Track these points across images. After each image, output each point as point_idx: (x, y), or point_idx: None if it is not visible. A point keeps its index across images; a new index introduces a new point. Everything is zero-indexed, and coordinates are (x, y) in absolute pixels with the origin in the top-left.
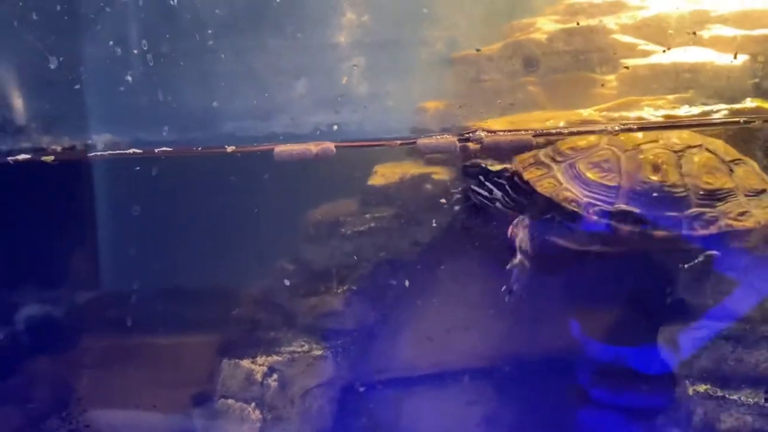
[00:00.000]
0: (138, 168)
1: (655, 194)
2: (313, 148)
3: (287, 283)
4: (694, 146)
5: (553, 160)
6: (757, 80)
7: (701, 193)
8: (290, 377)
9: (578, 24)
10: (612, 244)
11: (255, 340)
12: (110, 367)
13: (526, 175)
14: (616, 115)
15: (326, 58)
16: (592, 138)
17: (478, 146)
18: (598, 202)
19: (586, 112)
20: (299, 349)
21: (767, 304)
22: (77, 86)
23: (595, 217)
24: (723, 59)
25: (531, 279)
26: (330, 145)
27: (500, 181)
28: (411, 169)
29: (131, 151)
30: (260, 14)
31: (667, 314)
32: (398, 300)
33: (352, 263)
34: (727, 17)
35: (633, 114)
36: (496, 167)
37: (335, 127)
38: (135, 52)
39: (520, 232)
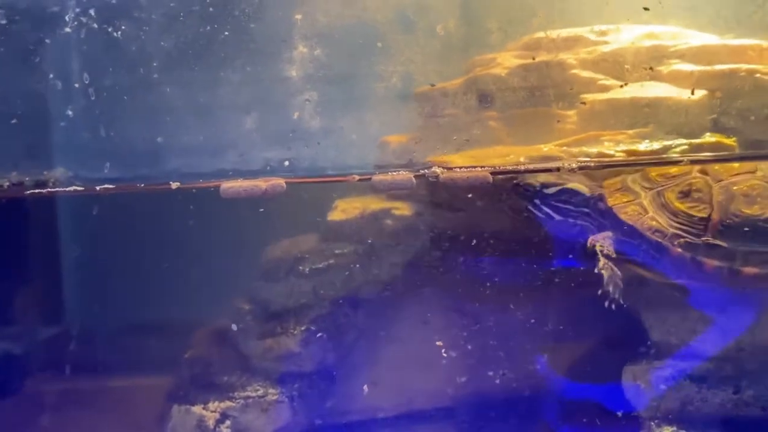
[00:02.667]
0: (86, 205)
1: (746, 228)
2: (262, 184)
3: (235, 327)
4: None
5: (642, 186)
6: (714, 116)
7: None
8: (244, 424)
9: (534, 59)
10: (698, 279)
11: (207, 384)
12: (54, 413)
13: (610, 201)
14: (576, 150)
15: (277, 92)
16: (685, 166)
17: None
18: (685, 234)
19: (546, 148)
20: (254, 394)
21: (731, 343)
22: (14, 121)
23: (680, 250)
24: (681, 94)
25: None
26: (280, 181)
27: (560, 205)
28: (372, 204)
29: (72, 188)
30: (208, 47)
31: (633, 352)
32: (359, 340)
33: (310, 302)
34: (685, 52)
35: (593, 149)
36: (553, 189)
37: (286, 163)
38: (76, 85)
39: (601, 240)
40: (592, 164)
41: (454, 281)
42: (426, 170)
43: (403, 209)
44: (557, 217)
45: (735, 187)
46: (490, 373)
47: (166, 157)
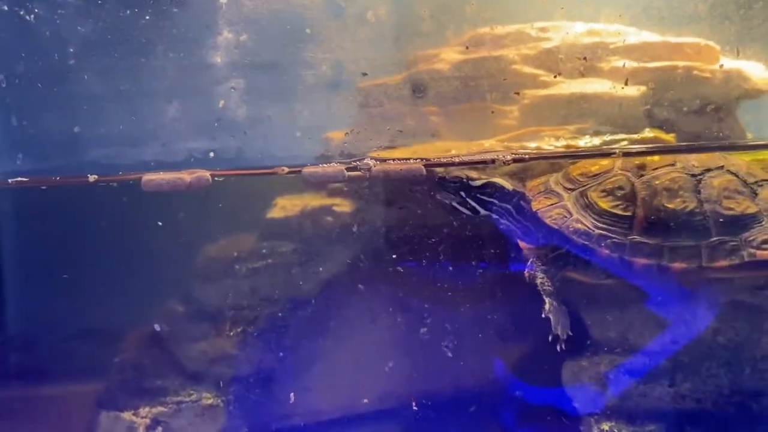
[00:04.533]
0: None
1: (671, 223)
2: (186, 176)
3: (158, 328)
4: (714, 168)
5: (564, 188)
6: (648, 107)
7: (721, 220)
8: (177, 429)
9: (469, 52)
10: (629, 278)
11: (138, 388)
12: None
13: (535, 206)
14: (517, 145)
15: (201, 80)
16: (605, 162)
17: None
18: (611, 234)
19: (488, 143)
20: (187, 399)
21: (667, 337)
22: None
23: (607, 251)
24: (617, 89)
25: (564, 315)
26: (205, 174)
27: (485, 198)
28: (312, 200)
29: None
30: (128, 32)
31: (579, 350)
32: (299, 340)
33: (248, 303)
34: (624, 49)
35: (533, 144)
36: (478, 182)
37: (211, 154)
38: None
39: (537, 276)
40: (526, 156)
41: (398, 279)
42: (358, 161)
43: (344, 206)
44: (482, 212)
45: (657, 182)
46: (439, 373)
47: (84, 147)
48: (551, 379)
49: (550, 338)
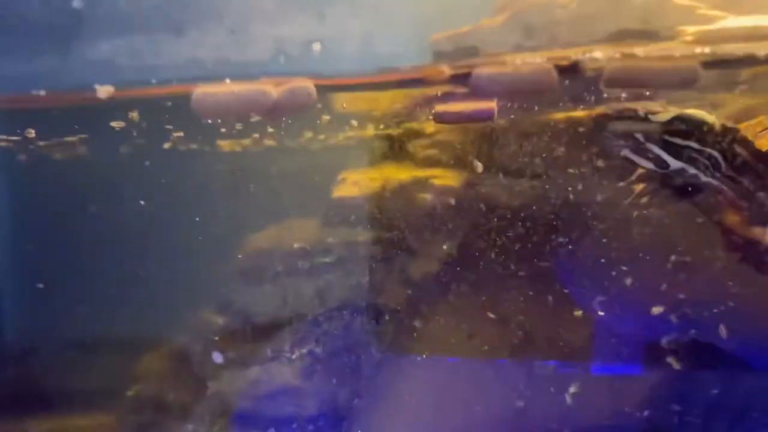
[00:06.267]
0: None
1: None
2: (271, 89)
3: (219, 359)
4: None
5: None
6: None
7: None
8: None
9: None
10: None
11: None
12: None
13: (759, 142)
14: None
15: None
16: None
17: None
18: None
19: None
20: None
21: None
22: None
23: None
24: None
25: None
26: (306, 85)
27: (677, 141)
28: (397, 173)
29: None
30: None
31: None
32: (382, 365)
33: (311, 312)
34: None
35: None
36: (665, 115)
37: (317, 48)
38: None
39: None
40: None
41: (530, 283)
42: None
43: (446, 177)
44: (673, 164)
45: None
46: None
47: (86, 33)
48: None
49: None
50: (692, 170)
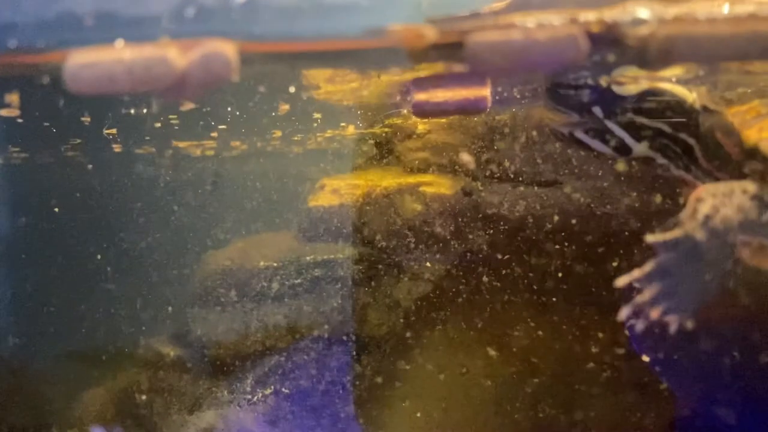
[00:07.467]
0: None
1: None
2: (173, 54)
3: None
4: None
5: None
6: None
7: None
8: None
9: None
10: None
11: None
12: None
13: (748, 132)
14: None
15: None
16: None
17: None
18: None
19: None
20: None
21: None
22: None
23: None
24: None
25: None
26: (222, 49)
27: (646, 122)
28: (383, 179)
29: None
30: None
31: None
32: (366, 404)
33: (278, 344)
34: None
35: None
36: (632, 88)
37: None
38: None
39: (710, 201)
40: None
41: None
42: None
43: (438, 184)
44: (637, 149)
45: None
46: None
47: None
48: None
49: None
50: (661, 159)
